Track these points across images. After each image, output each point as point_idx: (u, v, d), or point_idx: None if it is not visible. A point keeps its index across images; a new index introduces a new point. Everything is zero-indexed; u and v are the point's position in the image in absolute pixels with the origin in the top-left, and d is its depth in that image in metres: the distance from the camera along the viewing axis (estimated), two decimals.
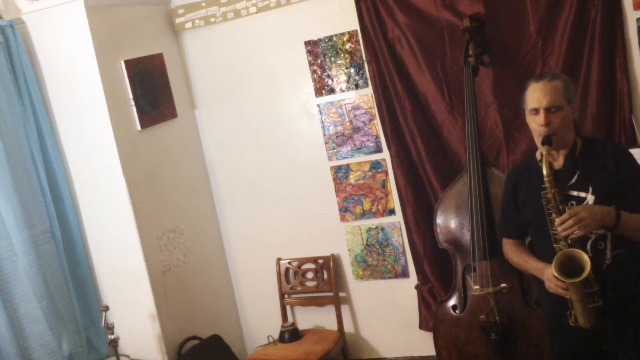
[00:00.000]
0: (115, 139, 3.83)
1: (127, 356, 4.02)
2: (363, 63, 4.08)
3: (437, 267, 4.02)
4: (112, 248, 4.00)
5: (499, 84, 3.75)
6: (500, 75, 3.74)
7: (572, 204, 2.60)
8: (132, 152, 3.95)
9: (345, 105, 4.20)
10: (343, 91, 4.19)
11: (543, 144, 2.61)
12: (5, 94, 3.68)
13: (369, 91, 4.11)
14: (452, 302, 3.68)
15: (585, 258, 2.46)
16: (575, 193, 2.63)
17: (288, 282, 4.51)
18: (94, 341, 4.05)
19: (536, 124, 2.65)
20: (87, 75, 3.80)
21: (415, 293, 4.18)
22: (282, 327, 4.34)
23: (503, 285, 3.47)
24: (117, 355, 3.54)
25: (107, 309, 3.53)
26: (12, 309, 3.63)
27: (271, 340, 4.31)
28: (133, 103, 3.97)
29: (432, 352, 3.88)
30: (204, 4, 4.32)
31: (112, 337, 3.46)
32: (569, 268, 2.50)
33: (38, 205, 3.80)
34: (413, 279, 4.22)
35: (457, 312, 3.66)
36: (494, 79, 3.75)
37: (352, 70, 4.13)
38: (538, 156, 2.77)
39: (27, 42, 3.83)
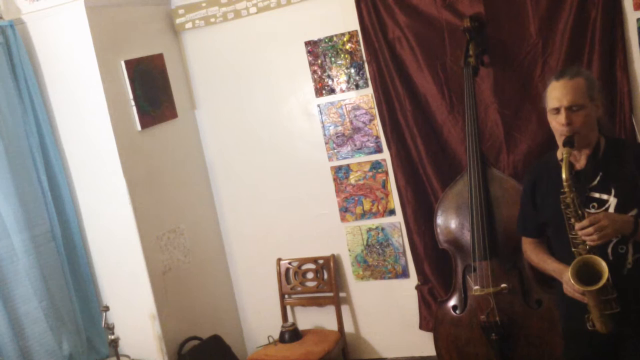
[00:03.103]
0: (115, 139, 3.83)
1: (127, 356, 4.02)
2: (363, 63, 4.08)
3: (437, 267, 4.02)
4: (112, 248, 4.00)
5: (499, 84, 3.74)
6: (500, 75, 3.74)
7: (594, 206, 2.55)
8: (132, 152, 3.95)
9: (345, 105, 4.20)
10: (343, 91, 4.18)
11: (564, 145, 2.52)
12: (5, 94, 3.68)
13: (369, 91, 4.11)
14: (452, 302, 3.68)
15: (603, 265, 2.41)
16: (596, 195, 2.56)
17: (288, 282, 4.51)
18: (94, 341, 4.05)
19: (557, 123, 2.57)
20: (87, 75, 3.80)
21: (415, 293, 4.18)
22: (282, 327, 4.34)
23: (503, 285, 3.46)
24: (117, 355, 3.54)
25: (107, 309, 3.53)
26: (12, 309, 3.63)
27: (271, 340, 4.31)
28: (133, 103, 3.97)
29: (432, 352, 3.88)
30: (204, 4, 4.32)
31: (112, 337, 3.47)
32: (587, 274, 2.44)
33: (38, 205, 3.80)
34: (413, 279, 4.22)
35: (457, 312, 3.66)
36: (494, 79, 3.75)
37: (352, 70, 4.13)
38: (559, 155, 2.68)
39: (27, 42, 3.83)
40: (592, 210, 2.55)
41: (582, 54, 3.54)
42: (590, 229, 2.43)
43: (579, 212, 2.48)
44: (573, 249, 2.53)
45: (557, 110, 2.57)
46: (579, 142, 2.55)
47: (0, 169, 3.59)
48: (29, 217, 3.72)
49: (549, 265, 2.73)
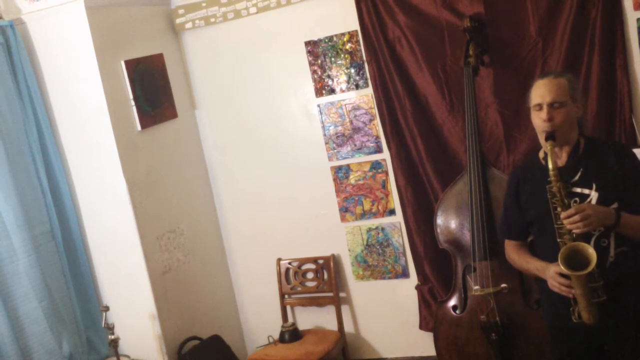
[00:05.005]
0: (115, 139, 3.83)
1: (127, 356, 4.02)
2: (363, 63, 4.08)
3: (437, 267, 4.02)
4: (112, 248, 4.00)
5: (499, 84, 3.75)
6: (500, 75, 3.74)
7: (576, 201, 2.61)
8: (132, 152, 3.95)
9: (345, 105, 4.20)
10: (343, 91, 4.19)
11: (547, 139, 2.61)
12: (5, 94, 3.68)
13: (369, 91, 4.11)
14: (452, 302, 3.68)
15: (591, 251, 2.48)
16: (578, 189, 2.64)
17: (288, 282, 4.51)
18: (94, 341, 4.05)
19: (539, 120, 2.66)
20: (87, 75, 3.80)
21: (415, 293, 4.18)
22: (282, 327, 4.34)
23: (503, 285, 3.47)
24: (117, 355, 3.54)
25: (107, 309, 3.53)
26: (12, 309, 3.63)
27: (271, 340, 4.31)
28: (133, 103, 3.97)
29: (432, 352, 3.88)
30: (204, 4, 4.32)
31: (112, 337, 3.47)
32: (574, 262, 2.51)
33: (38, 205, 3.80)
34: (413, 279, 4.22)
35: (457, 312, 3.66)
36: (494, 79, 3.75)
37: (352, 70, 4.13)
38: (541, 154, 2.78)
39: (27, 42, 3.83)
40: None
41: (582, 54, 3.55)
42: (576, 217, 2.50)
43: (566, 201, 2.57)
44: (558, 240, 2.59)
45: (539, 107, 2.66)
46: (560, 138, 2.64)
47: (0, 169, 3.59)
48: (29, 217, 3.71)
49: (532, 264, 2.80)
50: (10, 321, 3.58)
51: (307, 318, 4.55)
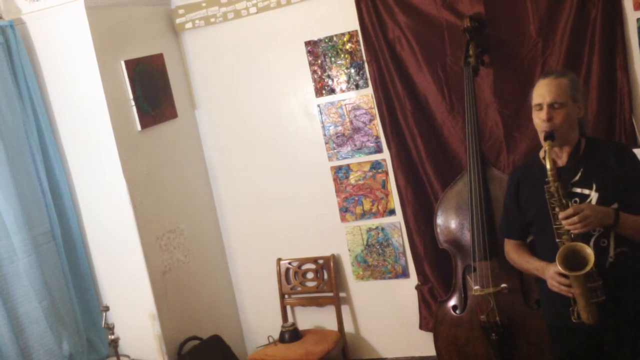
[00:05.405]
0: (115, 139, 3.83)
1: (127, 356, 4.02)
2: (363, 63, 4.08)
3: (437, 267, 4.02)
4: (112, 248, 4.00)
5: (499, 84, 3.75)
6: (500, 75, 3.74)
7: (576, 201, 2.61)
8: (132, 152, 3.95)
9: (345, 105, 4.20)
10: (343, 91, 4.19)
11: (545, 139, 2.61)
12: (5, 94, 3.68)
13: (369, 91, 4.11)
14: (452, 302, 3.68)
15: (589, 251, 2.49)
16: (578, 190, 2.64)
17: (288, 282, 4.51)
18: (94, 341, 4.05)
19: (539, 120, 2.66)
20: (87, 75, 3.80)
21: (415, 293, 4.18)
22: (282, 327, 4.34)
23: (503, 285, 3.47)
24: (117, 355, 3.54)
25: (107, 309, 3.53)
26: (12, 309, 3.63)
27: (271, 340, 4.31)
28: (133, 103, 3.97)
29: (432, 352, 3.88)
30: (204, 4, 4.32)
31: (112, 337, 3.47)
32: (572, 262, 2.51)
33: (38, 205, 3.80)
34: (413, 279, 4.22)
35: (457, 312, 3.66)
36: (494, 79, 3.75)
37: (352, 70, 4.13)
38: (541, 154, 2.77)
39: (27, 42, 3.83)
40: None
41: (582, 54, 3.55)
42: (575, 218, 2.50)
43: (564, 201, 2.56)
44: (557, 240, 2.59)
45: (539, 107, 2.67)
46: (559, 138, 2.64)
47: (0, 169, 3.59)
48: (29, 217, 3.72)
49: (532, 264, 2.80)
50: (10, 321, 3.58)
51: (307, 318, 4.55)
